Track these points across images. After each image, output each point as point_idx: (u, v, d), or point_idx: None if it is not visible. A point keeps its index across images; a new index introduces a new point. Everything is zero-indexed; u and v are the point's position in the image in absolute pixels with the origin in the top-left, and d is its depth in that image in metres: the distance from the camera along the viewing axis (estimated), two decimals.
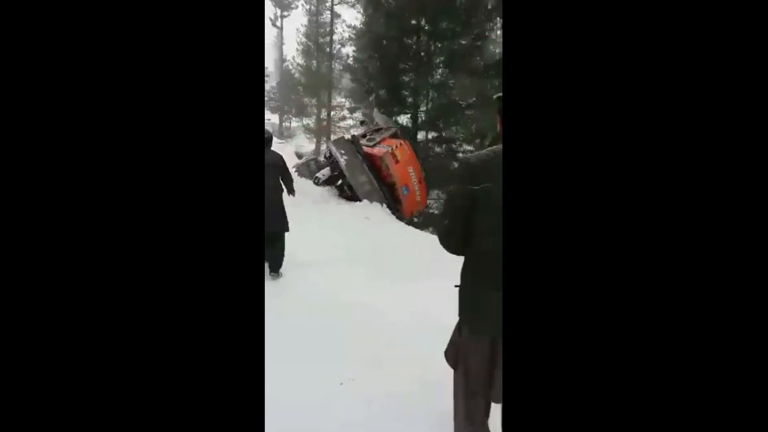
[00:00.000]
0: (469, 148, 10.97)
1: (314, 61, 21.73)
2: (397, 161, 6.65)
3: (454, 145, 10.66)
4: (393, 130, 7.42)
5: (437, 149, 10.68)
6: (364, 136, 7.45)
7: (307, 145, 20.63)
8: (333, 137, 20.91)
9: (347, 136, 7.83)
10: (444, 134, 10.51)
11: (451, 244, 1.31)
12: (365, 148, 6.93)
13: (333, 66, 20.62)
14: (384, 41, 9.63)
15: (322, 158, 8.00)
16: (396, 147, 6.74)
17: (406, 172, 6.77)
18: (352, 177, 6.66)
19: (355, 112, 20.43)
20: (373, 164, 6.77)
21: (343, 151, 6.76)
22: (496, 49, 10.22)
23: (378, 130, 7.44)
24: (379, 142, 7.00)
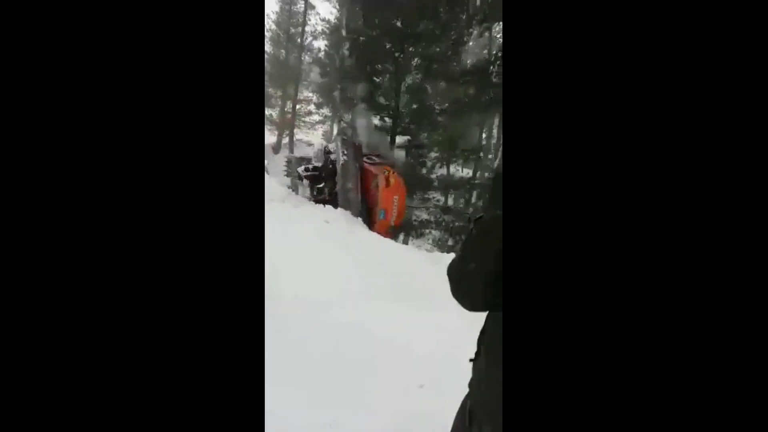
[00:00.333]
0: (436, 154, 10.88)
1: (283, 51, 21.06)
2: (387, 185, 6.79)
3: (421, 151, 10.50)
4: (391, 161, 7.78)
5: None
6: (364, 155, 7.67)
7: (269, 137, 20.00)
8: (296, 132, 20.44)
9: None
10: (414, 139, 10.33)
11: (472, 294, 0.87)
12: (365, 163, 7.12)
13: (303, 58, 20.12)
14: (361, 38, 9.30)
15: (313, 153, 8.18)
16: (391, 173, 6.92)
17: (391, 198, 6.93)
18: (343, 179, 6.70)
19: (322, 108, 20.05)
20: (365, 179, 6.91)
21: (346, 152, 6.79)
22: (468, 60, 10.18)
23: (378, 155, 7.76)
24: (377, 164, 7.21)
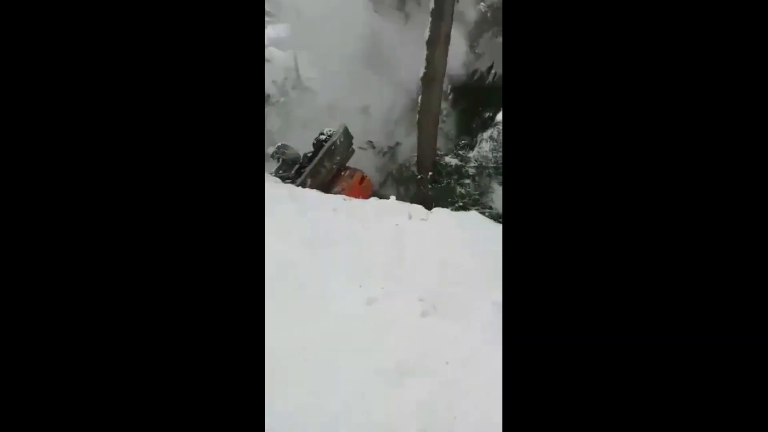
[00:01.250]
0: None
1: None
2: (360, 183, 6.83)
3: None
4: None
5: None
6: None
7: None
8: None
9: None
10: None
11: None
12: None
13: None
14: None
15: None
16: (367, 179, 6.96)
17: (352, 196, 6.95)
18: (326, 157, 6.51)
19: None
20: (341, 172, 6.90)
21: (342, 141, 6.64)
22: None
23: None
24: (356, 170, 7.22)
